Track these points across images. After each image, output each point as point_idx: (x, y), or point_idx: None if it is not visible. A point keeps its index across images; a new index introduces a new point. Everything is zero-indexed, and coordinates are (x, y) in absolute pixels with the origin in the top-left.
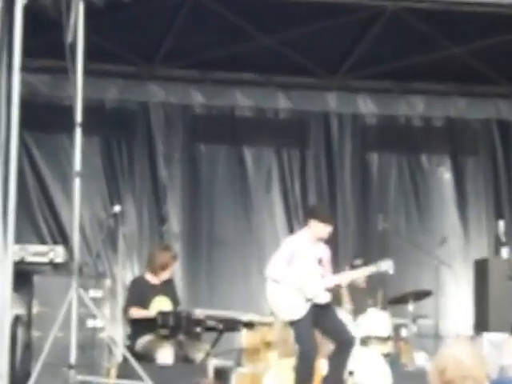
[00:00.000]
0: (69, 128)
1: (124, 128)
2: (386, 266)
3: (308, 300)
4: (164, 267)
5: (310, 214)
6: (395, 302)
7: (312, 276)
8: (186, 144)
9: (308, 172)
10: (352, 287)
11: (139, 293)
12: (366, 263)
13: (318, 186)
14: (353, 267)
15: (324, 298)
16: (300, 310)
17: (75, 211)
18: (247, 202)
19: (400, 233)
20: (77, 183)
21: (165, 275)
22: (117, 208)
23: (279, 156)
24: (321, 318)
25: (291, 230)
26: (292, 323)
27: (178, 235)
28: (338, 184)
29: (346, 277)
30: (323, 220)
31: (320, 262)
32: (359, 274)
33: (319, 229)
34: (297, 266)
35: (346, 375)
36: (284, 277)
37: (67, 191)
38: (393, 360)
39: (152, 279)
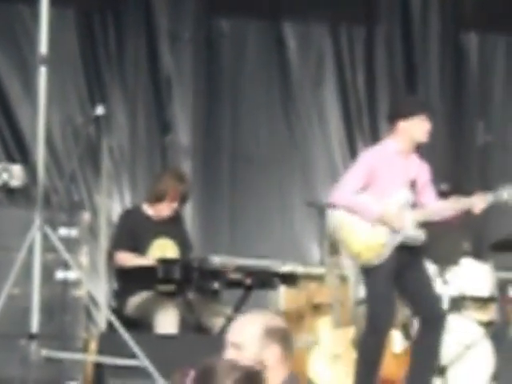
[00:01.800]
0: None
1: None
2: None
3: (393, 237)
4: (163, 197)
5: (395, 112)
6: (501, 248)
7: (400, 203)
8: (201, 18)
9: (377, 58)
10: (436, 226)
11: (132, 231)
12: (457, 189)
13: (391, 79)
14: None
15: (416, 235)
16: (380, 252)
17: (40, 114)
18: (288, 101)
19: (508, 147)
20: (42, 73)
21: (164, 209)
22: (100, 110)
23: (335, 35)
24: (407, 271)
25: (351, 144)
26: (365, 271)
27: (187, 150)
28: (420, 77)
29: (453, 206)
30: (414, 114)
31: (414, 184)
32: (472, 203)
33: (411, 130)
34: (378, 190)
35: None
36: (359, 204)
37: (29, 85)
38: (497, 331)
39: (152, 213)
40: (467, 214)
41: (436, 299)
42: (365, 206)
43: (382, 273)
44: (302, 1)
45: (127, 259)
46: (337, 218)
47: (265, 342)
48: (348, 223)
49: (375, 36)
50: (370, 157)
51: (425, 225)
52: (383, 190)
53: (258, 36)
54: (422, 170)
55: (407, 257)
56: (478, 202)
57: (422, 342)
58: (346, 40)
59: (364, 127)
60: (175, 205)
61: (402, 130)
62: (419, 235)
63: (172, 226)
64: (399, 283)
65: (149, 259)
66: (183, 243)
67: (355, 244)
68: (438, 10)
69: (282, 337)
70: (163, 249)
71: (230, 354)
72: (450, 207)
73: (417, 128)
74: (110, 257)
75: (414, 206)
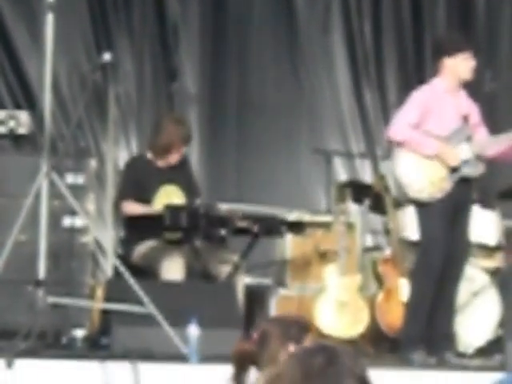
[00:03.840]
0: None
1: None
2: None
3: (452, 171)
4: (170, 148)
5: (439, 49)
6: (507, 195)
7: (456, 137)
8: None
9: (383, 5)
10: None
11: (138, 180)
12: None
13: (398, 27)
14: None
15: (475, 167)
16: (442, 186)
17: (47, 61)
18: (295, 49)
19: None
20: (49, 21)
21: (172, 158)
22: (106, 57)
23: None
24: (460, 211)
25: (358, 92)
26: (420, 211)
27: (194, 97)
28: (427, 24)
29: (506, 140)
30: (459, 51)
31: (466, 119)
32: None
33: (456, 67)
34: (432, 126)
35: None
36: (416, 139)
37: (35, 33)
38: (503, 278)
39: (157, 160)
40: None
41: (467, 244)
42: (422, 140)
43: (438, 214)
44: None
45: (133, 209)
46: (397, 155)
47: None
48: (409, 159)
49: None
50: (422, 95)
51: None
52: (438, 126)
53: None
54: (472, 108)
55: (466, 191)
56: None
57: (441, 287)
58: None
59: (371, 75)
60: (182, 150)
61: (447, 67)
62: (478, 167)
63: (178, 172)
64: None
65: (155, 206)
66: (190, 189)
67: (418, 179)
68: None
69: None
70: (169, 195)
71: None
72: (504, 140)
73: (462, 65)
74: (117, 205)
75: (472, 138)
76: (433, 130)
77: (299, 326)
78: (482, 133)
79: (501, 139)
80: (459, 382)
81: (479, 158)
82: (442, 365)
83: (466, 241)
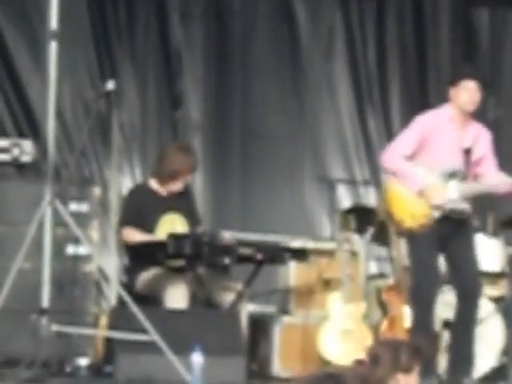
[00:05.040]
0: None
1: None
2: None
3: (435, 209)
4: (176, 176)
5: (449, 78)
6: (510, 223)
7: (447, 174)
8: None
9: (387, 32)
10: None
11: (140, 206)
12: None
13: (402, 53)
14: None
15: (460, 208)
16: (422, 222)
17: (50, 90)
18: (298, 76)
19: None
20: (53, 49)
21: (177, 186)
22: (110, 85)
23: (345, 8)
24: (452, 242)
25: (362, 117)
26: (409, 239)
27: (198, 124)
28: (431, 50)
29: (505, 182)
30: (460, 79)
31: (467, 152)
32: None
33: (457, 97)
34: (429, 156)
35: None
36: (405, 171)
37: (39, 60)
38: (508, 306)
39: (160, 189)
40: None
41: (476, 273)
42: (409, 174)
43: (425, 241)
44: None
45: (134, 236)
46: (387, 182)
47: None
48: (396, 189)
49: (386, 10)
50: (424, 122)
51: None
52: (434, 156)
53: (268, 10)
54: (481, 140)
55: (452, 228)
56: None
57: (460, 315)
58: (356, 14)
59: (374, 101)
60: (185, 180)
61: (451, 96)
62: (463, 208)
63: (181, 200)
64: (446, 254)
65: (158, 235)
66: (192, 217)
67: (399, 210)
68: None
69: None
70: (172, 224)
71: None
72: (503, 183)
73: (462, 95)
74: (120, 233)
75: (466, 176)
76: (428, 160)
77: (410, 352)
78: (487, 166)
79: (496, 182)
80: None
81: (466, 198)
82: None
83: (475, 264)
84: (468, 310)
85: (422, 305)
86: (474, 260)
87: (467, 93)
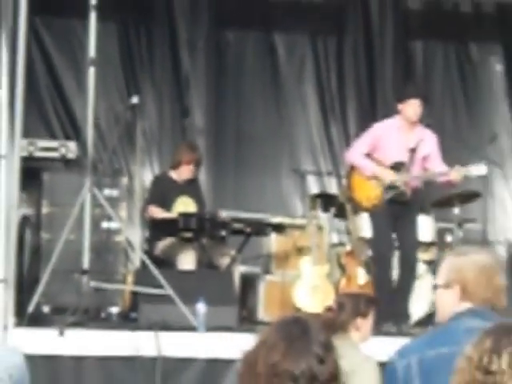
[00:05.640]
0: (83, 11)
1: (143, 12)
2: (479, 170)
3: (385, 193)
4: (180, 164)
5: (397, 96)
6: (440, 204)
7: (395, 165)
8: (212, 30)
9: (345, 61)
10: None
11: (162, 191)
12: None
13: (356, 77)
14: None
15: (402, 191)
16: (375, 203)
17: (89, 103)
18: (278, 94)
19: (446, 129)
20: (91, 72)
21: (185, 173)
22: (135, 99)
23: (314, 44)
24: (400, 220)
25: (326, 125)
26: (371, 215)
27: (202, 130)
28: (379, 75)
29: (432, 175)
30: (406, 98)
31: (413, 151)
32: (451, 174)
33: (405, 110)
34: (380, 155)
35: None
36: (362, 163)
37: (81, 81)
38: (436, 268)
39: (175, 177)
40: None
41: (415, 245)
42: (366, 165)
43: (383, 217)
44: (288, 17)
45: (156, 213)
46: (348, 174)
47: None
48: (355, 178)
49: (344, 45)
50: (376, 129)
51: (429, 184)
52: (385, 154)
53: (255, 44)
54: (424, 143)
55: (400, 209)
56: (456, 175)
57: (402, 277)
58: (322, 48)
59: (336, 114)
60: (191, 168)
61: (399, 109)
62: (404, 191)
63: (191, 188)
64: (395, 230)
65: (172, 213)
66: (199, 201)
67: (358, 194)
68: (391, 25)
69: None
70: (185, 205)
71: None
72: (435, 175)
73: (408, 110)
74: (144, 210)
75: (409, 168)
76: (380, 158)
77: (367, 302)
78: (433, 162)
79: (429, 175)
80: None
81: (406, 184)
82: (401, 333)
83: (414, 240)
84: (408, 273)
85: (382, 265)
86: (414, 235)
87: (412, 107)
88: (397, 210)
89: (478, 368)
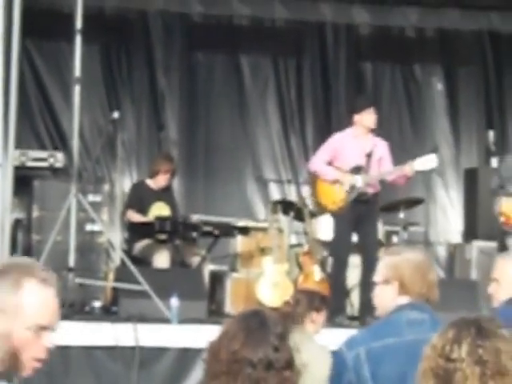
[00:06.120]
0: (70, 35)
1: (123, 36)
2: (430, 160)
3: (349, 194)
4: (157, 173)
5: (351, 108)
6: (387, 209)
7: (355, 169)
8: (184, 52)
9: (304, 81)
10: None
11: (139, 197)
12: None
13: (314, 95)
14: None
15: (364, 192)
16: (340, 205)
17: (75, 117)
18: (243, 110)
19: (393, 141)
20: (77, 90)
21: (161, 181)
22: (116, 114)
23: (276, 65)
24: (362, 220)
25: (286, 138)
26: (334, 218)
27: (175, 142)
28: (333, 93)
29: (392, 172)
30: (362, 109)
31: (369, 156)
32: (404, 170)
33: (363, 120)
34: (340, 162)
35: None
36: (324, 170)
37: (67, 98)
38: None
39: (152, 185)
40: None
41: (376, 243)
42: (328, 172)
43: (344, 221)
44: (253, 41)
45: (135, 217)
46: (313, 180)
47: None
48: (320, 184)
49: (303, 66)
50: (334, 140)
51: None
52: (344, 160)
53: (223, 65)
54: (378, 148)
55: (362, 210)
56: (409, 169)
57: (364, 274)
58: (283, 69)
59: (295, 127)
60: (167, 177)
61: (356, 120)
62: (367, 191)
63: (166, 195)
64: (357, 230)
65: (149, 217)
66: (173, 206)
67: (324, 199)
68: (344, 48)
69: None
70: (160, 209)
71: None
72: (391, 172)
73: (366, 118)
74: (123, 214)
75: (367, 171)
76: (340, 165)
77: (320, 298)
78: (384, 164)
79: (385, 173)
80: None
81: (368, 185)
82: (363, 325)
83: (375, 239)
84: (369, 269)
85: (338, 265)
86: (375, 234)
87: (369, 116)
88: (359, 210)
89: (441, 356)
